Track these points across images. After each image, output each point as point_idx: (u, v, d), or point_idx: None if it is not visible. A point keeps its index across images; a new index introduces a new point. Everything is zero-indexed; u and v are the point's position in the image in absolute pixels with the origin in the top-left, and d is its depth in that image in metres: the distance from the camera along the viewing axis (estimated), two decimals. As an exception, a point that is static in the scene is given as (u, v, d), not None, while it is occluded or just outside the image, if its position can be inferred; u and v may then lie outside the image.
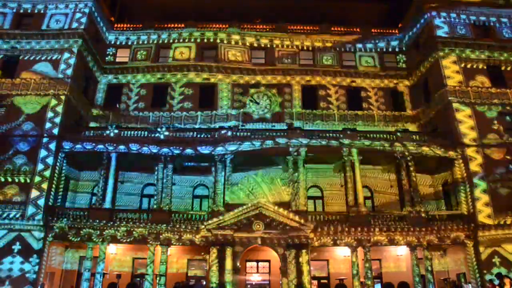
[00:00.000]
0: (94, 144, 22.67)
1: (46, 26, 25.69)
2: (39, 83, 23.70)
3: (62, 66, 24.37)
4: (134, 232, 20.95)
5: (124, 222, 21.13)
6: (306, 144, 22.83)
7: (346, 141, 22.92)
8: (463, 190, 22.44)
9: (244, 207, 20.88)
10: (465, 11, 27.29)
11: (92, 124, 26.09)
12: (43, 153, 21.95)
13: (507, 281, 11.07)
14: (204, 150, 22.69)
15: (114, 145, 22.67)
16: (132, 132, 23.52)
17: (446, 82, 24.79)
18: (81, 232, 20.79)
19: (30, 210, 20.74)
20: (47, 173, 21.53)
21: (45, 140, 22.26)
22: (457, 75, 24.99)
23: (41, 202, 20.90)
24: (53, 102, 23.22)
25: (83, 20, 25.82)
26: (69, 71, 24.16)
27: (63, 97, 23.37)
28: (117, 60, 29.03)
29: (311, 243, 20.92)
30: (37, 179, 21.36)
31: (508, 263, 20.59)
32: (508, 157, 22.73)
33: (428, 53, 26.39)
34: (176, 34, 29.39)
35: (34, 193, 21.06)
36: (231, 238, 20.50)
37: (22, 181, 21.35)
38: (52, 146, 22.15)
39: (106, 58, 28.72)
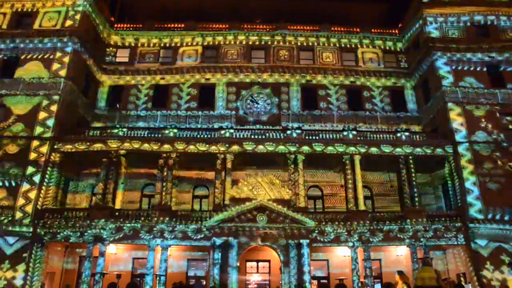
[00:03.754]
0: (90, 144, 22.68)
1: (43, 25, 25.62)
2: (35, 83, 23.49)
3: (57, 65, 24.18)
4: (132, 229, 21.03)
5: (123, 220, 21.17)
6: (304, 151, 22.99)
7: (347, 149, 23.08)
8: (456, 187, 22.65)
9: (245, 206, 20.95)
10: (462, 12, 27.31)
11: (93, 124, 26.06)
12: (35, 153, 21.68)
13: (397, 278, 10.87)
14: (206, 148, 22.88)
15: (112, 145, 22.70)
16: (134, 132, 23.67)
17: (441, 83, 24.94)
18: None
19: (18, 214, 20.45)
20: (37, 177, 21.23)
21: (38, 141, 21.98)
22: (450, 76, 25.09)
23: (30, 206, 20.61)
24: (45, 102, 22.93)
25: (80, 19, 25.75)
26: (65, 71, 23.98)
27: (57, 97, 23.13)
28: (118, 60, 29.06)
29: (311, 243, 20.94)
30: (25, 183, 20.95)
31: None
32: (497, 153, 22.85)
33: (425, 53, 26.50)
34: (176, 34, 29.41)
35: (23, 197, 20.66)
36: (231, 239, 20.56)
37: (14, 184, 20.95)
38: (45, 147, 21.92)
39: (107, 59, 28.72)
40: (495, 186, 22.16)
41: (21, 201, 20.67)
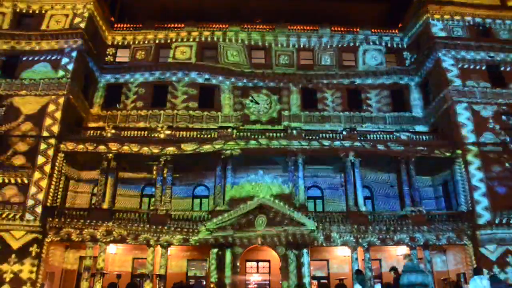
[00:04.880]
0: (92, 145, 22.70)
1: (45, 26, 25.70)
2: (39, 84, 23.64)
3: (62, 66, 24.34)
4: (132, 233, 21.06)
5: (123, 222, 21.19)
6: (304, 149, 22.99)
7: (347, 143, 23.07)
8: (462, 189, 22.50)
9: (245, 206, 20.95)
10: (464, 11, 27.25)
11: (91, 124, 26.02)
12: (41, 153, 21.88)
13: None
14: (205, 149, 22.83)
15: (113, 145, 22.73)
16: (133, 132, 23.72)
17: (445, 83, 24.84)
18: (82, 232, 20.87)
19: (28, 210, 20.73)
20: (46, 173, 21.51)
21: (43, 140, 22.16)
22: (456, 75, 24.98)
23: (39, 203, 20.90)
24: (52, 102, 23.16)
25: (83, 20, 25.82)
26: (68, 72, 24.14)
27: (62, 98, 23.31)
28: (117, 60, 28.98)
29: (312, 243, 20.94)
30: (35, 177, 21.33)
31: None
32: (505, 156, 22.74)
33: (428, 53, 26.40)
34: (176, 34, 29.34)
35: (32, 193, 21.00)
36: (231, 238, 20.56)
37: (20, 181, 21.26)
38: (51, 146, 22.08)
39: (106, 58, 28.67)
40: (503, 190, 21.95)
41: (32, 189, 21.04)
